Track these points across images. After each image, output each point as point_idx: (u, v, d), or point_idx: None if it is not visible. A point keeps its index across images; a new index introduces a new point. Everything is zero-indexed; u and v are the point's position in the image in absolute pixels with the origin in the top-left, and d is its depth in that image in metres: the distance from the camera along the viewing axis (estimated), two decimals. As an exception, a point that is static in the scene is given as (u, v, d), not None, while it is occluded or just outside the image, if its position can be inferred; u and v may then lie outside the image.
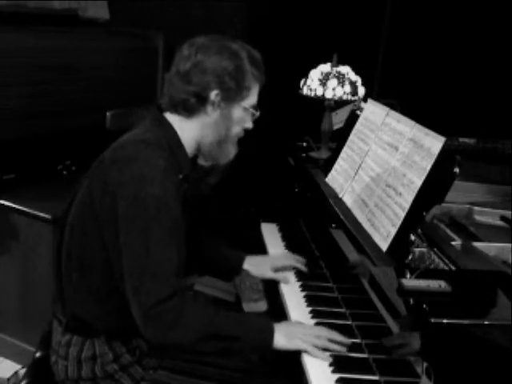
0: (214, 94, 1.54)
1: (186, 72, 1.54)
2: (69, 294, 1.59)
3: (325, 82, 2.33)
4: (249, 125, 1.65)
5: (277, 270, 1.90)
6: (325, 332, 1.51)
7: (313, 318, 1.64)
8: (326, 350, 1.47)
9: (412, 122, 1.69)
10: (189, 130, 1.59)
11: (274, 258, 2.00)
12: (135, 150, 1.49)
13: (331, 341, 1.48)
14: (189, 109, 1.57)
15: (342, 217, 1.79)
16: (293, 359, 1.52)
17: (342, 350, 1.47)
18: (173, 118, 1.59)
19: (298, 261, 1.93)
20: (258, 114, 1.64)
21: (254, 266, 1.91)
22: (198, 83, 1.53)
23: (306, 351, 1.47)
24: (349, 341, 1.50)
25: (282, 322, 1.58)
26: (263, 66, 1.62)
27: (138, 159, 1.46)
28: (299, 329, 1.53)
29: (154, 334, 1.43)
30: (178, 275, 1.45)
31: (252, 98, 1.61)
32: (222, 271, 1.98)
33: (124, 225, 1.43)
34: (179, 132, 1.58)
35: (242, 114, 1.61)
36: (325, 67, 2.38)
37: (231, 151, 1.65)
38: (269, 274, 1.90)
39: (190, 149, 1.61)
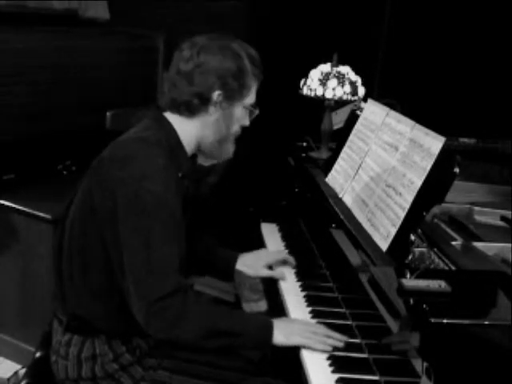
0: (216, 95, 1.55)
1: (189, 73, 1.55)
2: (69, 292, 1.58)
3: (325, 82, 2.33)
4: (247, 122, 1.67)
5: (270, 266, 1.90)
6: (322, 329, 1.53)
7: (313, 317, 1.64)
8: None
9: (412, 122, 1.69)
10: (190, 130, 1.60)
11: (265, 254, 1.97)
12: (135, 149, 1.50)
13: (328, 337, 1.50)
14: (191, 109, 1.58)
15: (342, 217, 1.79)
16: (293, 359, 1.52)
17: (339, 344, 1.49)
18: (173, 118, 1.60)
19: (289, 257, 1.93)
20: (257, 111, 1.66)
21: (247, 266, 1.89)
22: (201, 84, 1.54)
23: (304, 346, 1.49)
24: (344, 337, 1.51)
25: (280, 318, 1.59)
26: (261, 64, 1.63)
27: (138, 157, 1.47)
28: (297, 325, 1.55)
29: (158, 329, 1.44)
30: (180, 271, 1.45)
31: (252, 97, 1.64)
32: (217, 272, 1.98)
33: (124, 222, 1.43)
34: (179, 131, 1.59)
35: (243, 113, 1.63)
36: (325, 67, 2.38)
37: (230, 149, 1.68)
38: (264, 272, 1.88)
39: (189, 148, 1.62)
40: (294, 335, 1.50)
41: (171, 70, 1.59)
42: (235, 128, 1.64)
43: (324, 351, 1.47)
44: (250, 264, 1.90)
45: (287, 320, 1.62)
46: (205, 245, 1.92)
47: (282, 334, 1.50)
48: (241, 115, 1.63)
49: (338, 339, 1.50)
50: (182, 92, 1.56)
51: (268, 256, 1.95)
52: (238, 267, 1.90)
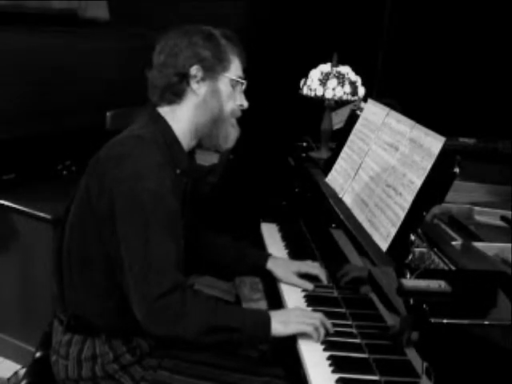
0: (194, 69, 1.57)
1: (162, 62, 1.59)
2: (69, 292, 1.59)
3: (325, 82, 2.33)
4: (243, 102, 1.66)
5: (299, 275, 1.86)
6: (317, 314, 1.57)
7: (313, 317, 1.64)
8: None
9: (412, 122, 1.69)
10: (183, 116, 1.60)
11: (299, 262, 1.91)
12: (131, 147, 1.50)
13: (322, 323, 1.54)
14: (176, 92, 1.59)
15: (342, 217, 1.79)
16: (293, 359, 1.52)
17: (331, 330, 1.53)
18: (166, 111, 1.61)
19: (322, 273, 1.85)
20: (244, 82, 1.65)
21: (278, 267, 1.87)
22: (176, 64, 1.57)
23: (301, 334, 1.51)
24: (332, 329, 1.54)
25: (276, 310, 1.60)
26: (239, 43, 1.64)
27: (134, 155, 1.48)
28: (293, 312, 1.58)
29: (158, 327, 1.44)
30: (177, 268, 1.46)
31: (235, 70, 1.63)
32: (244, 267, 1.96)
33: (122, 221, 1.44)
34: (175, 123, 1.60)
35: (230, 88, 1.62)
36: (325, 67, 2.38)
37: (230, 132, 1.66)
38: (294, 279, 1.83)
39: (186, 141, 1.62)
40: (291, 323, 1.52)
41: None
42: (229, 106, 1.63)
43: (319, 338, 1.50)
44: (281, 266, 1.88)
45: (283, 310, 1.64)
46: (233, 244, 1.94)
47: (279, 324, 1.51)
48: (229, 91, 1.62)
49: (330, 327, 1.54)
50: (161, 79, 1.59)
51: (301, 265, 1.88)
52: (269, 266, 1.88)
